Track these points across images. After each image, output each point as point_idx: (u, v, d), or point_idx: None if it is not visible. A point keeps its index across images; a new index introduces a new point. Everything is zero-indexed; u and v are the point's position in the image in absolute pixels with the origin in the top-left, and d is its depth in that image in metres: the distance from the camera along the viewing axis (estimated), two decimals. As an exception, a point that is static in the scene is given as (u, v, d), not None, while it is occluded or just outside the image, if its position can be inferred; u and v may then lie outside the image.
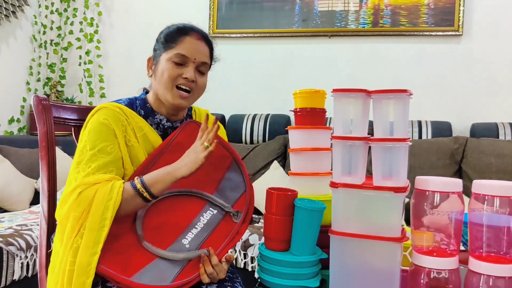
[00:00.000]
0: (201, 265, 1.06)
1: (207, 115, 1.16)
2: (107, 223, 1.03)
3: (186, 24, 1.24)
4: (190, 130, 1.24)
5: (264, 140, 3.09)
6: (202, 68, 1.22)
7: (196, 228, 1.13)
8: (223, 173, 1.23)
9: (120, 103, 1.22)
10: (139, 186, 1.07)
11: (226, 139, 1.34)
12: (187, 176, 1.09)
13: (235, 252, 2.17)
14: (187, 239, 1.11)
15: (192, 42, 1.20)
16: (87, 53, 3.66)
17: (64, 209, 1.06)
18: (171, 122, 1.26)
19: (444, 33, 3.02)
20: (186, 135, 1.23)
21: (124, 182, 1.08)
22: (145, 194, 1.07)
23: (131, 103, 1.24)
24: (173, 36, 1.20)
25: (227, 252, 1.11)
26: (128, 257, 1.06)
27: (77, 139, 1.39)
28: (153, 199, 1.09)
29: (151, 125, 1.23)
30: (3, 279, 1.91)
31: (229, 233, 1.14)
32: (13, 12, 3.41)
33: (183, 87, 1.19)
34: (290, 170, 1.24)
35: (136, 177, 1.09)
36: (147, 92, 1.29)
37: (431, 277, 0.92)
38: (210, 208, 1.18)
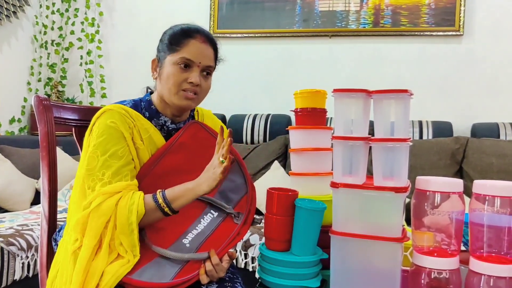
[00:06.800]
0: (202, 266, 1.07)
1: (222, 128, 1.13)
2: (134, 226, 1.05)
3: (191, 25, 1.22)
4: (193, 131, 1.24)
5: (264, 140, 3.09)
6: (207, 71, 1.22)
7: (197, 229, 1.14)
8: None
9: (125, 104, 1.21)
10: (160, 200, 1.08)
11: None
12: (209, 192, 1.09)
13: (236, 252, 2.17)
14: (187, 239, 1.12)
15: (197, 45, 1.19)
16: (88, 53, 3.66)
17: (81, 216, 1.07)
18: (175, 124, 1.26)
19: (445, 33, 3.02)
20: (189, 136, 1.23)
21: (145, 194, 1.09)
22: (166, 209, 1.08)
23: (136, 105, 1.24)
24: (178, 38, 1.19)
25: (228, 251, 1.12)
26: None
27: (78, 139, 1.39)
28: (173, 214, 1.10)
29: (156, 126, 1.23)
30: (4, 279, 1.91)
31: (230, 234, 1.14)
32: (14, 12, 3.41)
33: (189, 91, 1.18)
34: (290, 170, 1.24)
35: (158, 191, 1.10)
36: (151, 92, 1.28)
37: (432, 277, 0.92)
38: (211, 211, 1.19)
